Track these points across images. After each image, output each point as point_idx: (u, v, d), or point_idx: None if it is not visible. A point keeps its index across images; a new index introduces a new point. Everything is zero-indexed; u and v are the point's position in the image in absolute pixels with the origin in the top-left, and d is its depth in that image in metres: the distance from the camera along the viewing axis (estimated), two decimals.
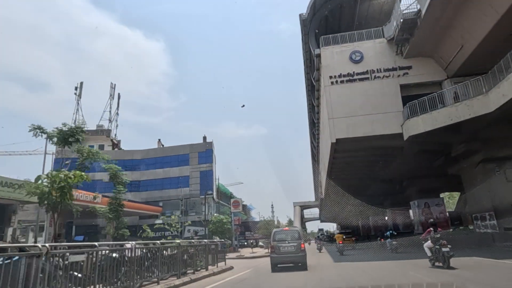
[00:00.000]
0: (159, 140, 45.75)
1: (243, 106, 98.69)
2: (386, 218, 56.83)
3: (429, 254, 11.11)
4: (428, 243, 11.10)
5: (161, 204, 42.36)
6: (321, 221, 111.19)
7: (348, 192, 41.56)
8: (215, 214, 40.08)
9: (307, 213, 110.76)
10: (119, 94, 48.90)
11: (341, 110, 20.12)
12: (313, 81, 27.95)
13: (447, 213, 29.30)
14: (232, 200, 38.84)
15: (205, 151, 42.39)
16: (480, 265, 11.07)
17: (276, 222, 52.81)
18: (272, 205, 67.15)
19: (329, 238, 47.28)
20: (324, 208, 63.80)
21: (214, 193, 43.87)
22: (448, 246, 10.10)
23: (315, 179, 66.29)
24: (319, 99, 27.29)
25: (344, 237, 25.89)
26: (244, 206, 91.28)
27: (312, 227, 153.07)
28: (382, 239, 23.23)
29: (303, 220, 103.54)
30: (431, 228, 11.23)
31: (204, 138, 43.80)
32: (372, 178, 31.43)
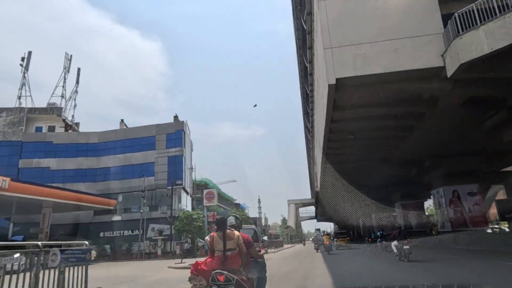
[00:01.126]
0: (122, 120, 38.15)
1: (255, 105, 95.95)
2: (394, 214, 49.55)
3: (395, 251, 13.33)
4: (395, 242, 13.46)
5: (120, 197, 34.68)
6: (318, 220, 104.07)
7: (347, 181, 34.22)
8: (184, 209, 32.51)
9: (303, 211, 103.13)
10: (79, 69, 41.18)
11: (343, 35, 12.64)
12: (303, 23, 20.50)
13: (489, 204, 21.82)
14: (205, 192, 31.36)
15: (175, 133, 34.76)
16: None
17: (263, 220, 45.16)
18: (259, 199, 58.61)
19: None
20: (320, 205, 56.36)
21: (187, 184, 36.26)
22: (409, 244, 12.55)
23: (310, 171, 58.83)
24: (312, 48, 19.84)
25: (331, 238, 28.51)
26: (237, 205, 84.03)
27: (309, 227, 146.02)
28: (370, 239, 25.15)
29: (298, 219, 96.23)
30: (396, 231, 14.23)
31: (175, 117, 36.21)
32: (381, 159, 24.04)
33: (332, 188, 39.47)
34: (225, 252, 4.01)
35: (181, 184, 33.18)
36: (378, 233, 22.46)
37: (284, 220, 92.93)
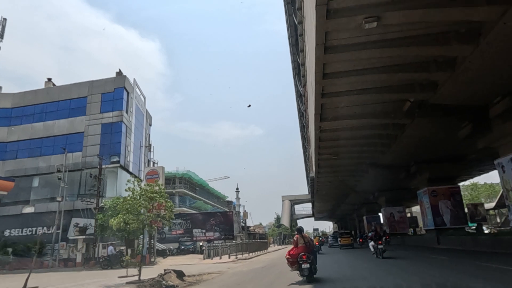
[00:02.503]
0: (50, 79, 28.33)
1: (249, 106, 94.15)
2: (408, 210, 39.87)
3: (372, 250, 15.08)
4: (372, 242, 15.10)
5: (36, 181, 25.03)
6: (315, 219, 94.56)
7: (350, 160, 24.86)
8: (120, 196, 22.76)
9: (299, 209, 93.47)
10: (4, 19, 31.25)
11: None
12: None
13: None
14: (146, 170, 21.63)
15: (114, 92, 25.08)
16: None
17: (242, 215, 35.32)
18: (237, 188, 48.46)
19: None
20: (317, 197, 46.70)
21: (135, 164, 26.56)
22: (382, 244, 14.49)
23: (306, 161, 49.19)
24: None
25: (320, 238, 29.30)
26: (229, 202, 74.83)
27: (307, 226, 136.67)
28: (361, 240, 27.84)
29: (293, 217, 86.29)
30: (373, 233, 15.62)
31: (118, 73, 26.53)
32: (412, 108, 14.46)
33: (328, 172, 29.88)
34: (306, 244, 8.38)
35: (117, 162, 23.48)
36: (370, 234, 22.88)
37: (278, 219, 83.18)
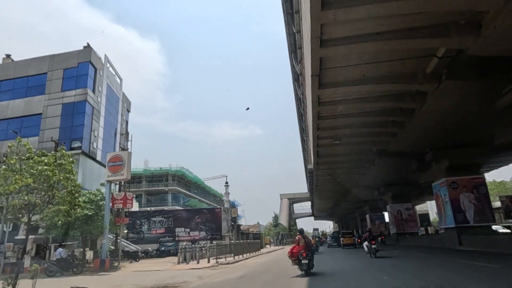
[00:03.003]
0: (8, 55, 24.67)
1: (248, 108, 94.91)
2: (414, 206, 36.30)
3: (366, 249, 15.56)
4: (366, 242, 15.56)
5: None
6: (315, 218, 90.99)
7: (354, 145, 21.44)
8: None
9: (299, 208, 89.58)
10: None
11: None
12: None
13: None
14: (108, 156, 18.00)
15: (77, 67, 21.43)
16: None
17: (230, 210, 31.66)
18: (226, 182, 44.56)
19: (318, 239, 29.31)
20: (317, 194, 43.05)
21: (101, 150, 22.90)
22: (376, 244, 14.89)
23: (305, 154, 45.53)
24: None
25: (318, 239, 30.12)
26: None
27: (307, 226, 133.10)
28: (360, 240, 25.07)
29: (292, 217, 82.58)
30: (367, 234, 16.09)
31: (86, 46, 22.85)
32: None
33: (328, 163, 26.27)
34: (306, 243, 9.61)
35: (79, 148, 19.85)
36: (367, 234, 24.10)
37: (276, 218, 79.54)
